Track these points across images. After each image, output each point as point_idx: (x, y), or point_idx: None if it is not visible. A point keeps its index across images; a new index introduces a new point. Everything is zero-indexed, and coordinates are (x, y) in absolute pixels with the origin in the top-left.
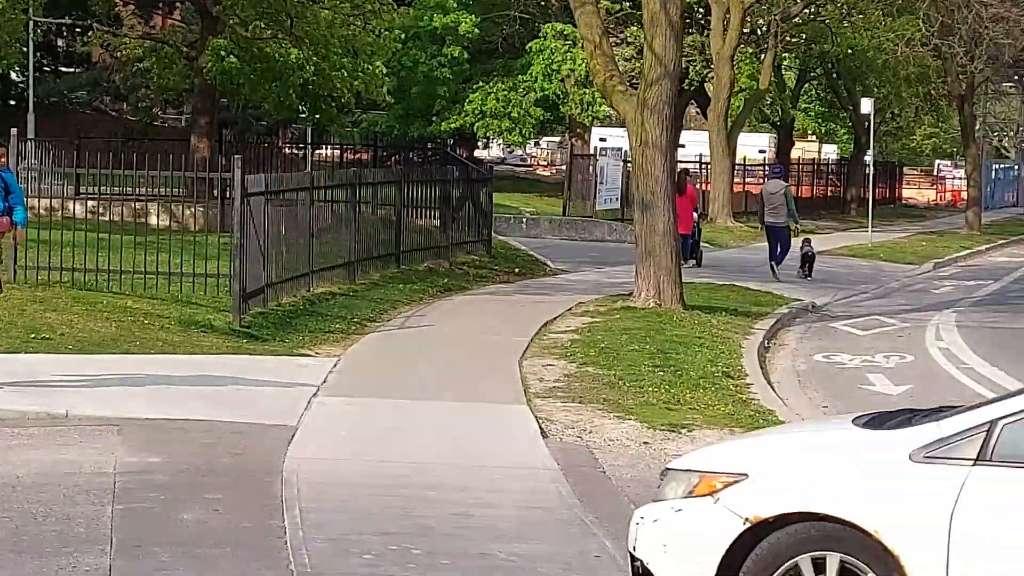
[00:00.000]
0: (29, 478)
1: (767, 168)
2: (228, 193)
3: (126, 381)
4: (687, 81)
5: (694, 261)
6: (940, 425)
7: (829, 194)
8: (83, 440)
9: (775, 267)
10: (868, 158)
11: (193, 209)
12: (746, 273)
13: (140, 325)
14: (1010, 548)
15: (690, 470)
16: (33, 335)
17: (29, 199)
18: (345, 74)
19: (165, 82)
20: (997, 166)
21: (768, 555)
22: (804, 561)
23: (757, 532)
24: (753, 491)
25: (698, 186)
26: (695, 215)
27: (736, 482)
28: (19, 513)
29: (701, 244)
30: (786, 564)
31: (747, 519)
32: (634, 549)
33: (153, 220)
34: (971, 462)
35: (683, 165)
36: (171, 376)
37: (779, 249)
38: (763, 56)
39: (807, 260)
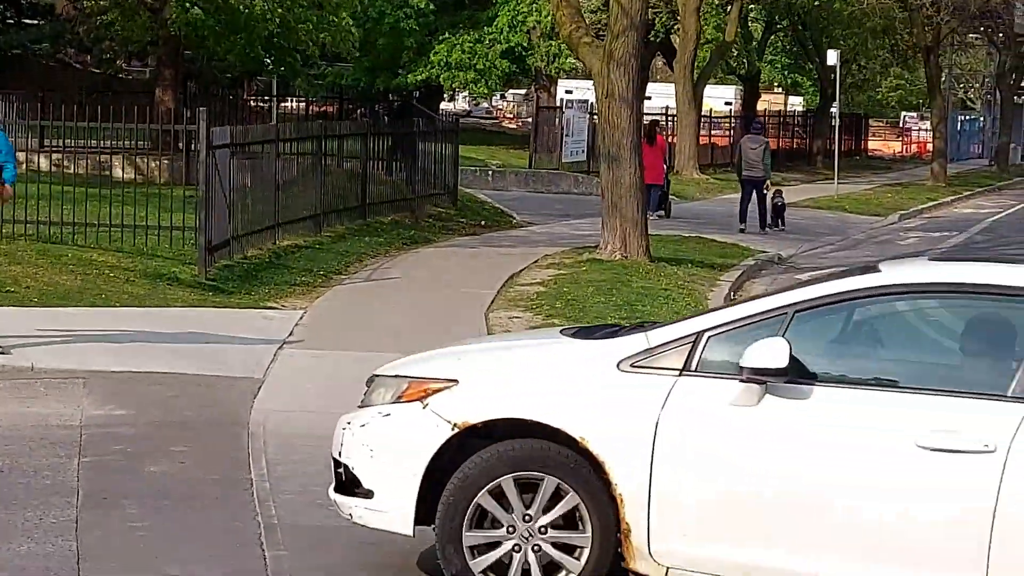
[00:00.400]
0: None
1: (749, 123)
2: (193, 146)
3: (92, 334)
4: (653, 33)
5: (663, 212)
6: (648, 336)
7: (795, 146)
8: (49, 393)
9: (745, 220)
10: (834, 110)
11: (158, 162)
12: (713, 225)
13: (105, 278)
14: (710, 457)
15: (399, 376)
16: None
17: None
18: (311, 26)
19: (129, 34)
20: (963, 118)
21: (475, 468)
22: (507, 482)
23: (465, 438)
24: (463, 397)
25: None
26: (664, 166)
27: (446, 388)
28: None
29: (670, 196)
30: (493, 481)
31: (455, 424)
32: (339, 455)
33: (118, 173)
34: (677, 372)
35: (649, 117)
36: (137, 329)
37: (754, 202)
38: (729, 7)
39: (778, 211)
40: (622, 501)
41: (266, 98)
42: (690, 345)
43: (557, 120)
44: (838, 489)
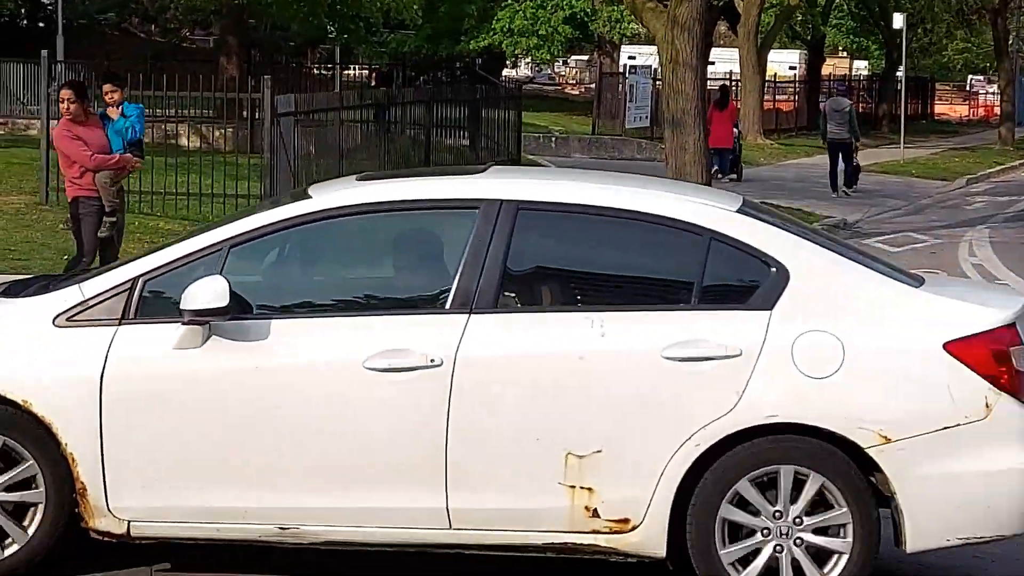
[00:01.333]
0: None
1: (833, 86)
2: (257, 114)
3: None
4: None
5: (735, 175)
6: (82, 287)
7: (860, 110)
8: None
9: (836, 182)
10: (900, 74)
11: (223, 130)
12: (778, 190)
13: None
14: (160, 405)
15: None
16: (66, 256)
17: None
18: None
19: (193, 2)
20: None
21: None
22: None
23: None
24: None
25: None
26: (736, 130)
27: None
28: None
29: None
30: None
31: None
32: None
33: (183, 141)
34: (116, 322)
35: (716, 83)
36: None
37: (841, 164)
38: None
39: (855, 172)
40: (74, 460)
41: (329, 66)
42: (127, 292)
43: (620, 86)
44: (293, 421)
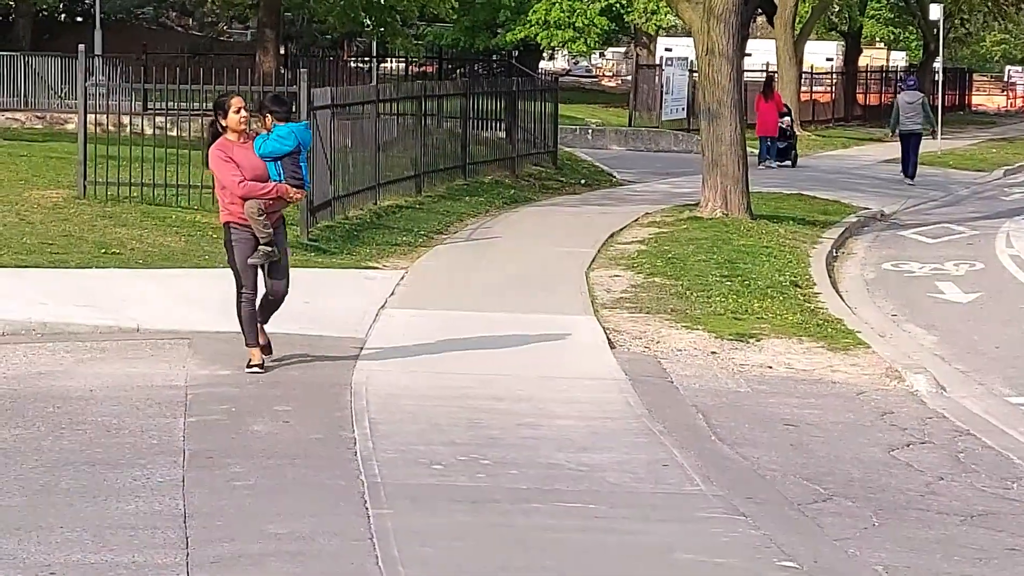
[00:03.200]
0: (102, 391)
1: (902, 80)
2: (294, 107)
3: (196, 295)
4: None
5: (790, 162)
6: None
7: None
8: (154, 353)
9: (908, 173)
10: (937, 65)
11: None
12: (814, 182)
13: (209, 239)
14: None
15: None
16: (103, 250)
17: (97, 115)
18: None
19: None
20: None
21: None
22: None
23: None
24: None
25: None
26: (788, 119)
27: None
28: (93, 425)
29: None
30: None
31: None
32: None
33: None
34: None
35: (749, 74)
36: None
37: (912, 155)
38: None
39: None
40: None
41: (366, 59)
42: None
43: (657, 78)
44: None
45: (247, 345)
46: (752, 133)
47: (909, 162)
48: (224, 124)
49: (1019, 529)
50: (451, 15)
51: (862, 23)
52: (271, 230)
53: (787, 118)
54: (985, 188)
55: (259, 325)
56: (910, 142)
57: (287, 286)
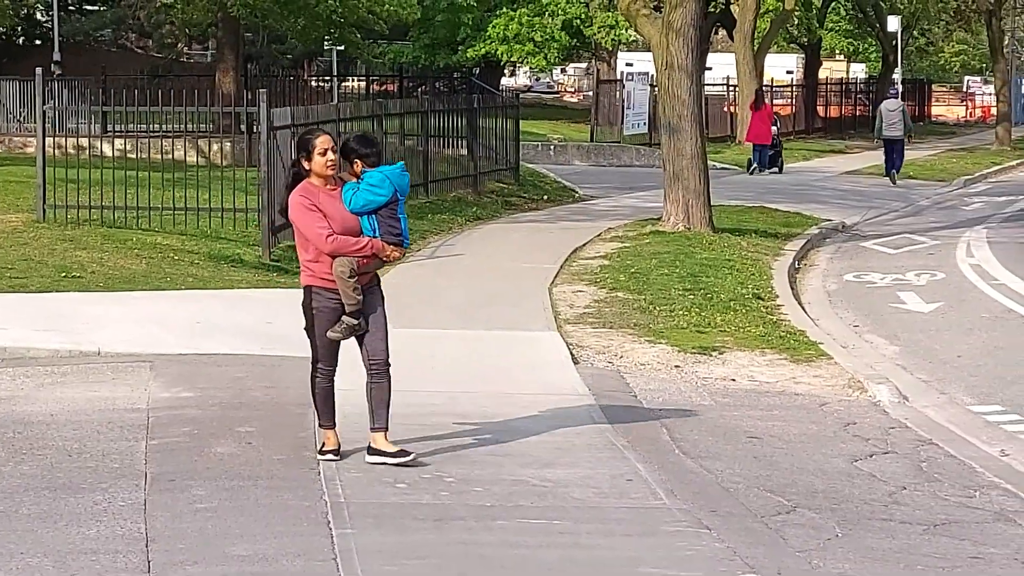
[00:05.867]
0: (63, 415)
1: (888, 89)
2: (255, 127)
3: (157, 317)
4: (713, 3)
5: (777, 169)
6: None
7: (858, 113)
8: (116, 377)
9: (894, 175)
10: (896, 76)
11: (220, 144)
12: (776, 194)
13: (170, 261)
14: None
15: None
16: (64, 274)
17: (56, 139)
18: (372, 1)
19: (189, 17)
20: None
21: None
22: None
23: None
24: None
25: (725, 109)
26: (774, 128)
27: None
28: (54, 450)
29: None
30: None
31: None
32: None
33: (180, 156)
34: None
35: (710, 88)
36: (202, 311)
37: (896, 159)
38: None
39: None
40: None
41: (327, 78)
42: None
43: (618, 93)
44: None
45: (321, 426)
46: (713, 146)
47: (893, 166)
48: (308, 167)
49: (982, 537)
50: (415, 15)
51: (821, 36)
52: (360, 297)
53: (775, 128)
54: (946, 198)
55: (334, 413)
56: (893, 148)
57: (387, 347)
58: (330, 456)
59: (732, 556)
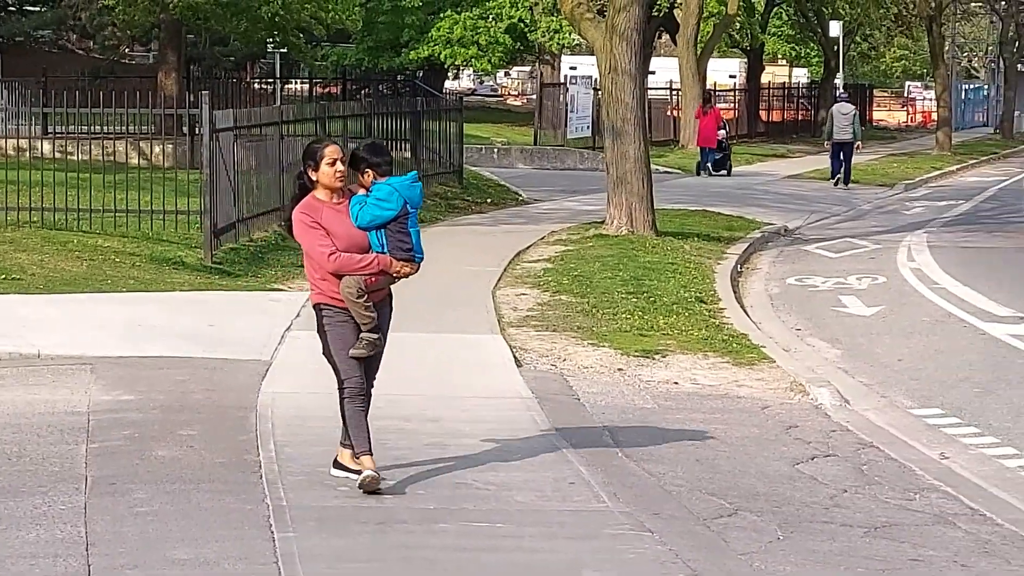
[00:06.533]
0: (2, 419)
1: (840, 92)
2: (197, 129)
3: (98, 320)
4: (656, 7)
5: (725, 172)
6: None
7: (800, 118)
8: (56, 380)
9: (840, 178)
10: (838, 81)
11: (162, 146)
12: (719, 198)
13: (111, 263)
14: None
15: None
16: (3, 276)
17: None
18: (316, 6)
19: (131, 19)
20: (967, 87)
21: None
22: None
23: None
24: None
25: (668, 113)
26: (722, 132)
27: None
28: None
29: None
30: None
31: None
32: None
33: (122, 158)
34: None
35: (653, 92)
36: (143, 314)
37: (842, 162)
38: None
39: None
40: None
41: (270, 80)
42: None
43: (561, 96)
44: None
45: (357, 453)
46: (656, 150)
47: (842, 169)
48: (314, 178)
49: (921, 540)
50: (357, 25)
51: (764, 40)
52: (374, 314)
53: (722, 131)
54: (887, 203)
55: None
56: (843, 150)
57: (373, 381)
58: (370, 482)
59: (674, 559)
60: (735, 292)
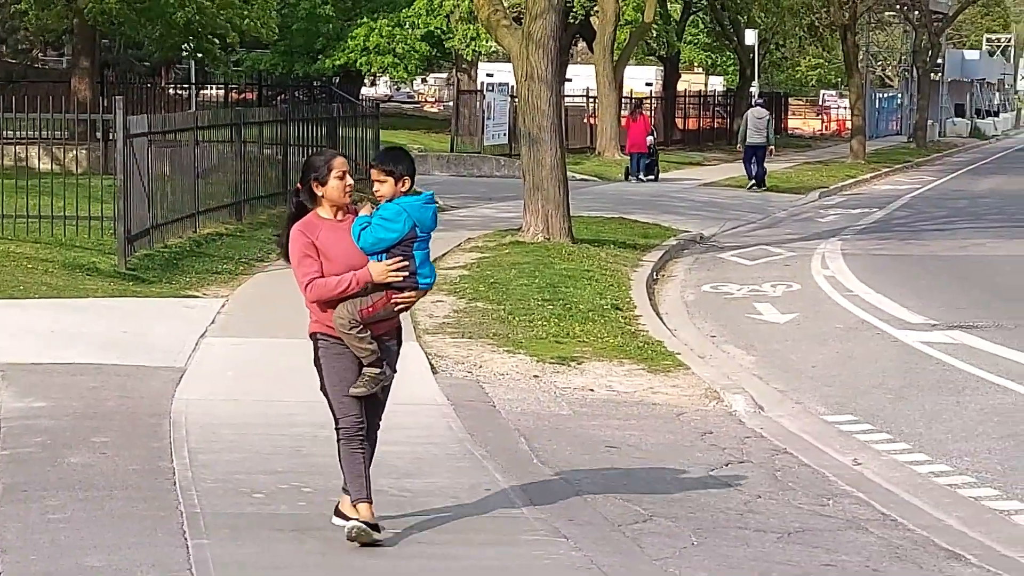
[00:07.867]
0: None
1: (756, 98)
2: (111, 135)
3: (10, 326)
4: (572, 14)
5: (653, 177)
6: None
7: (716, 126)
8: None
9: (755, 180)
10: (754, 89)
11: (76, 151)
12: (635, 205)
13: (24, 269)
14: None
15: None
16: None
17: None
18: (231, 12)
19: (43, 23)
20: (880, 95)
21: None
22: None
23: None
24: None
25: (585, 120)
26: (651, 138)
27: None
28: None
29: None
30: None
31: None
32: None
33: (35, 163)
34: None
35: (570, 99)
36: (56, 320)
37: (755, 165)
38: None
39: (763, 173)
40: None
41: (185, 86)
42: None
43: (478, 103)
44: None
45: (353, 501)
46: (573, 157)
47: (756, 171)
48: (320, 194)
49: (835, 545)
50: (273, 37)
51: (680, 48)
52: (373, 345)
53: (650, 138)
54: (802, 210)
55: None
56: (756, 154)
57: (377, 421)
58: (364, 533)
59: (589, 564)
60: (651, 299)
